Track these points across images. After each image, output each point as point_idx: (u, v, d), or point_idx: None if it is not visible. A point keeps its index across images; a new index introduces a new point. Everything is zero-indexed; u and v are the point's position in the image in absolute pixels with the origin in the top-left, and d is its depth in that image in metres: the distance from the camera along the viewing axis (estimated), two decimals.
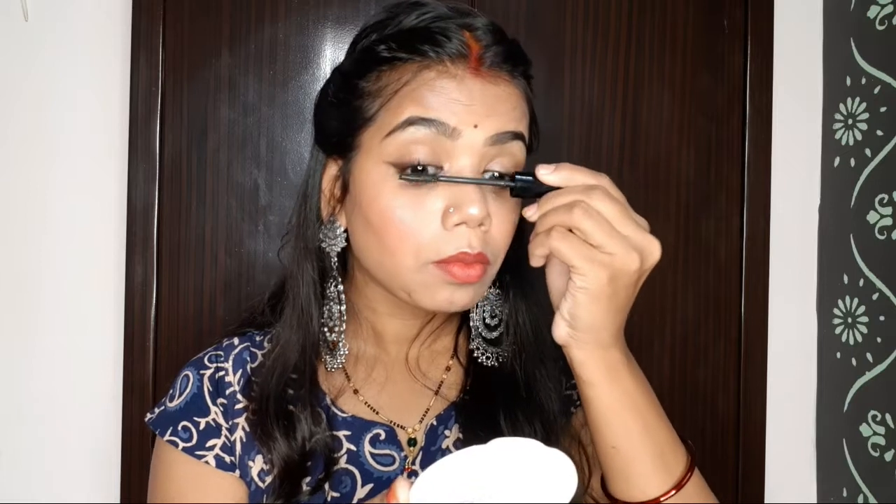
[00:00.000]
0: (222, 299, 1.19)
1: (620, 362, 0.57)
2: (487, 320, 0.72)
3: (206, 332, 1.19)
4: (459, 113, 0.59)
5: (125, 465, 1.16)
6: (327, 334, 0.70)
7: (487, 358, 0.71)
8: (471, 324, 0.72)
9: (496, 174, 0.62)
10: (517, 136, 0.62)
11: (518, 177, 0.58)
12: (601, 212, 0.52)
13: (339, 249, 0.69)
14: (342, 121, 0.65)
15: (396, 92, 0.61)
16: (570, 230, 0.53)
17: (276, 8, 1.20)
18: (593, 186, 0.53)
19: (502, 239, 0.63)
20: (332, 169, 0.68)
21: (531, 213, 0.56)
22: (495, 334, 0.72)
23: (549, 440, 0.68)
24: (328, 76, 0.72)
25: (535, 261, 0.57)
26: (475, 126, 0.60)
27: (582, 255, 0.52)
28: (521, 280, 0.73)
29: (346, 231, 0.68)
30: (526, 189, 0.58)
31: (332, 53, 1.21)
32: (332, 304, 0.70)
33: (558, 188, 0.55)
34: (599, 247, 0.52)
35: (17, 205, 1.18)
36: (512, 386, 0.71)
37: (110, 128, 1.19)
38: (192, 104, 1.19)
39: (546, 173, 0.55)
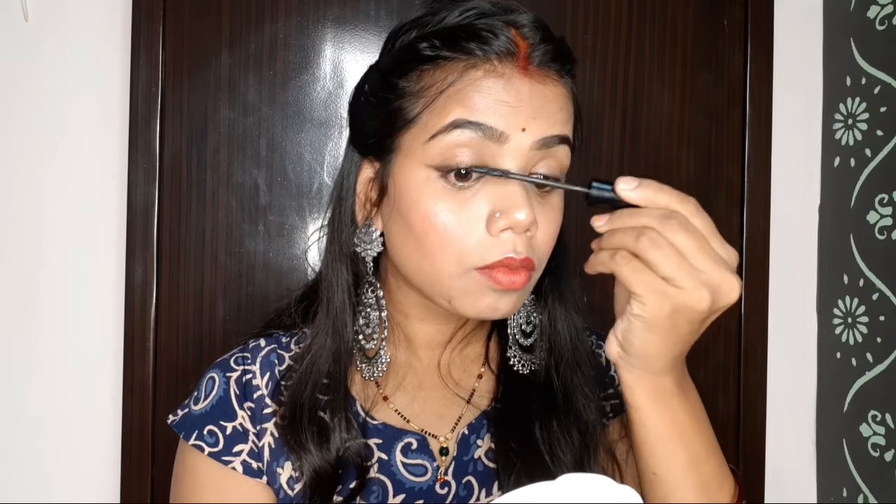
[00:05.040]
0: (222, 299, 1.19)
1: (671, 390, 0.54)
2: (523, 326, 0.70)
3: (206, 332, 1.19)
4: (507, 116, 0.57)
5: (125, 465, 1.16)
6: (363, 342, 0.68)
7: (524, 365, 0.69)
8: (508, 331, 0.70)
9: (541, 177, 0.60)
10: (563, 139, 0.60)
11: (595, 184, 0.53)
12: (674, 243, 0.48)
13: (374, 254, 0.66)
14: (381, 121, 0.62)
15: (441, 92, 0.58)
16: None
17: (276, 8, 1.20)
18: (672, 213, 0.49)
19: (547, 244, 0.61)
20: (368, 171, 0.66)
21: (601, 223, 0.52)
22: (530, 341, 0.70)
23: (586, 450, 0.67)
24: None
25: (592, 271, 0.54)
26: (523, 130, 0.57)
27: (644, 283, 0.49)
28: (559, 285, 0.71)
29: (381, 235, 0.66)
30: (603, 199, 0.52)
31: (332, 53, 1.21)
32: (368, 310, 0.68)
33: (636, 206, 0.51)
34: (668, 279, 0.48)
35: (17, 204, 1.18)
36: (547, 394, 0.69)
37: (110, 128, 1.19)
38: (192, 104, 1.19)
39: (627, 188, 0.50)
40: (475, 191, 0.58)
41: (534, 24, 0.60)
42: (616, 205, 0.52)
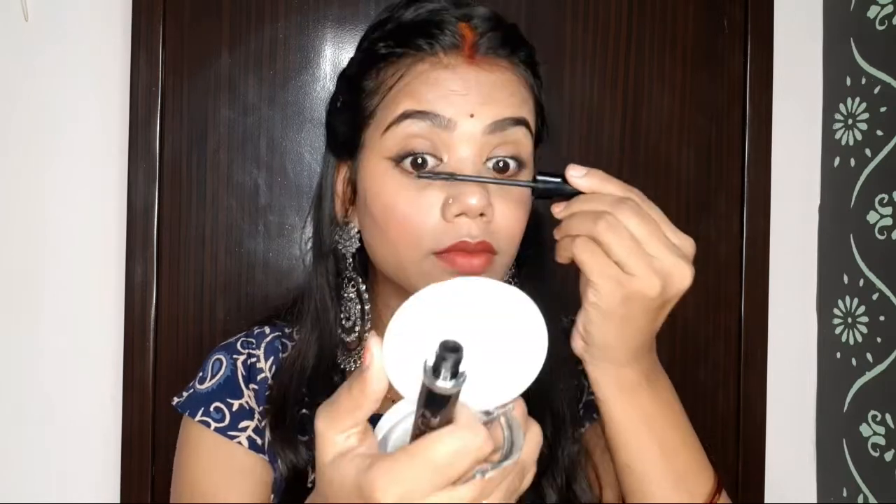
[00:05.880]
0: (222, 299, 1.19)
1: (637, 382, 0.55)
2: None
3: (206, 332, 1.19)
4: (455, 103, 0.58)
5: (125, 465, 1.16)
6: (343, 335, 0.69)
7: None
8: None
9: (501, 162, 0.61)
10: (518, 121, 0.61)
11: (540, 177, 0.55)
12: (628, 227, 0.49)
13: (353, 250, 0.68)
14: (348, 122, 0.65)
15: (391, 87, 0.61)
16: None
17: (276, 8, 1.20)
18: (624, 199, 0.51)
19: (509, 229, 0.61)
20: (344, 170, 0.68)
21: (559, 210, 0.54)
22: None
23: (559, 441, 0.68)
24: (334, 80, 0.72)
25: (561, 259, 0.55)
26: (471, 115, 0.58)
27: (599, 269, 0.50)
28: (536, 277, 0.71)
29: (359, 232, 0.68)
30: (550, 191, 0.55)
31: (332, 53, 1.21)
32: (349, 304, 0.69)
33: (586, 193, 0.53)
34: (620, 264, 0.49)
35: (17, 205, 1.18)
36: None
37: (110, 128, 1.19)
38: (192, 104, 1.19)
39: (577, 175, 0.53)
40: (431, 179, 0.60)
41: (484, 16, 0.62)
42: (564, 196, 0.54)
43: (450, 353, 0.36)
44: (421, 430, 0.39)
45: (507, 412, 0.42)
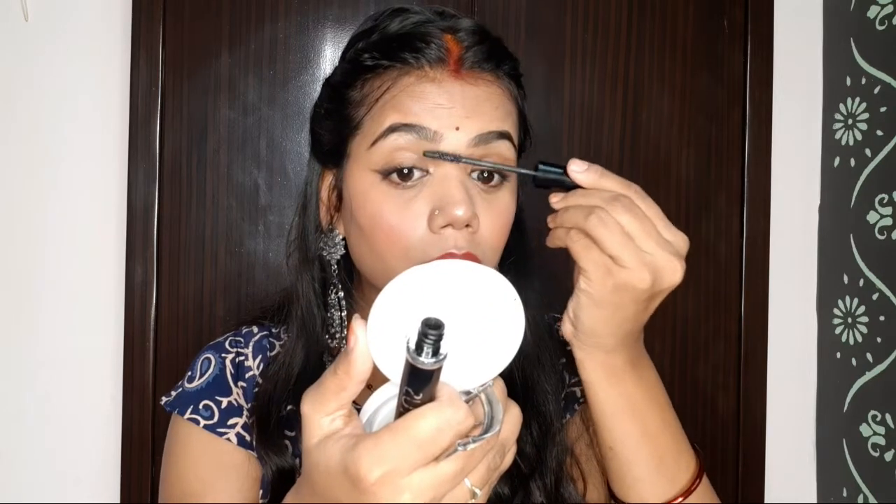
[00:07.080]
0: (222, 299, 1.19)
1: (623, 367, 0.56)
2: None
3: (206, 332, 1.19)
4: (441, 117, 0.59)
5: (125, 465, 1.16)
6: (327, 340, 0.70)
7: None
8: None
9: (486, 174, 0.62)
10: (502, 135, 0.62)
11: (541, 167, 0.56)
12: (620, 223, 0.51)
13: (338, 257, 0.69)
14: (333, 131, 0.66)
15: (378, 100, 0.61)
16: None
17: (276, 8, 1.20)
18: (619, 196, 0.52)
19: (494, 238, 0.62)
20: (329, 178, 0.69)
21: (556, 199, 0.56)
22: None
23: (545, 442, 0.69)
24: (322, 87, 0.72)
25: (552, 245, 0.57)
26: (457, 128, 0.59)
27: (591, 259, 0.52)
28: (521, 278, 0.71)
29: (344, 239, 0.68)
30: (550, 181, 0.56)
31: (332, 53, 1.21)
32: (333, 311, 0.70)
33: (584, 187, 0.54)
34: (613, 257, 0.51)
35: (18, 205, 1.18)
36: (509, 388, 0.71)
37: (110, 128, 1.19)
38: (192, 104, 1.19)
39: (577, 170, 0.54)
40: (417, 191, 0.60)
41: (470, 29, 0.62)
42: (564, 187, 0.55)
43: (431, 329, 0.37)
44: (405, 408, 0.40)
45: (487, 389, 0.44)
